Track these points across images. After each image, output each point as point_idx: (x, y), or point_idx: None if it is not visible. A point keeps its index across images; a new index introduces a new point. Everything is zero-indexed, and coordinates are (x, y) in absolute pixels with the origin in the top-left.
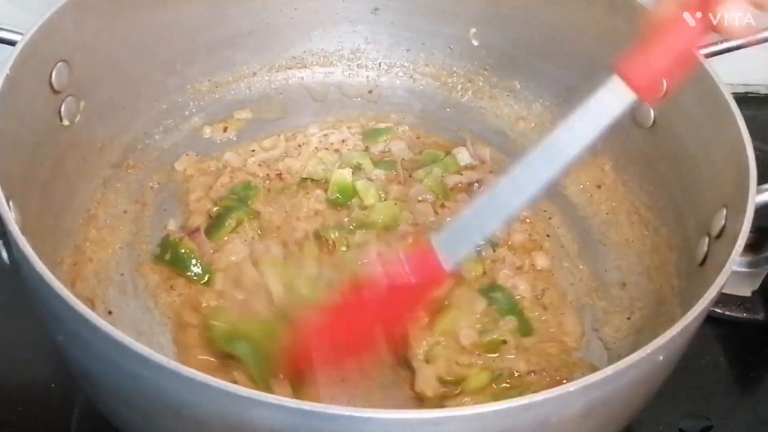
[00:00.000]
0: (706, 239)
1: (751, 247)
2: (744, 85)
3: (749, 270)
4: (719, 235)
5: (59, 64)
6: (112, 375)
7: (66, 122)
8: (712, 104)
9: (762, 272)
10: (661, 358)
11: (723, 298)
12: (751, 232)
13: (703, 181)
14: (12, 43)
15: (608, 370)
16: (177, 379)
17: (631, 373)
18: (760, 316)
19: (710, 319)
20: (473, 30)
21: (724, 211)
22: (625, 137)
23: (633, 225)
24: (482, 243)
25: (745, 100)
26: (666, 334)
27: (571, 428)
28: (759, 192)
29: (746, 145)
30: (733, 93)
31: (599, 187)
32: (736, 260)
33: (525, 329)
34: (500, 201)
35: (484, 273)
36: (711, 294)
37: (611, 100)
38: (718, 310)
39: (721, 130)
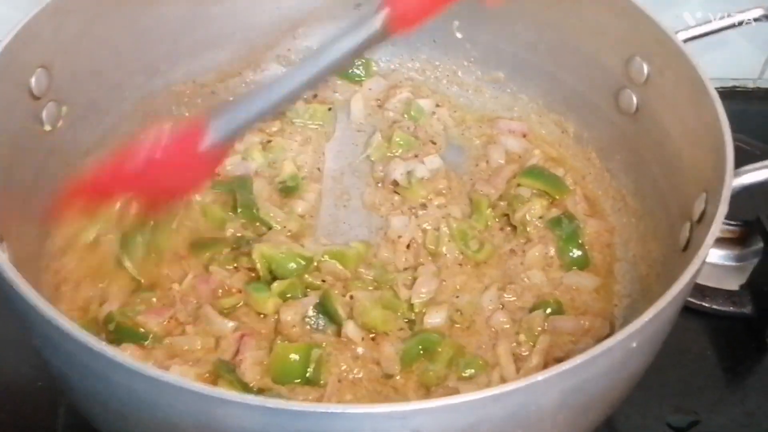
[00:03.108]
0: (688, 225)
1: (738, 241)
2: (733, 79)
3: (736, 264)
4: (699, 220)
5: (38, 69)
6: (85, 378)
7: (48, 127)
8: (691, 90)
9: (749, 266)
10: (634, 344)
11: (711, 292)
12: (737, 225)
13: (684, 166)
14: None
15: (579, 359)
16: (146, 381)
17: (603, 360)
18: (747, 310)
19: (698, 313)
20: (456, 23)
21: (705, 196)
22: (610, 125)
23: (619, 212)
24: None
25: (732, 94)
26: (638, 320)
27: (546, 418)
28: (736, 175)
29: (724, 128)
30: (721, 87)
31: (584, 177)
32: (711, 243)
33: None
34: (274, 91)
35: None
36: (685, 278)
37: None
38: (706, 304)
39: (701, 115)
